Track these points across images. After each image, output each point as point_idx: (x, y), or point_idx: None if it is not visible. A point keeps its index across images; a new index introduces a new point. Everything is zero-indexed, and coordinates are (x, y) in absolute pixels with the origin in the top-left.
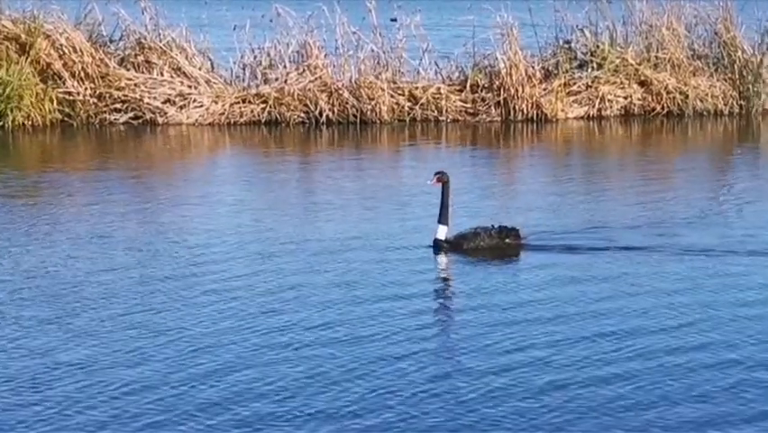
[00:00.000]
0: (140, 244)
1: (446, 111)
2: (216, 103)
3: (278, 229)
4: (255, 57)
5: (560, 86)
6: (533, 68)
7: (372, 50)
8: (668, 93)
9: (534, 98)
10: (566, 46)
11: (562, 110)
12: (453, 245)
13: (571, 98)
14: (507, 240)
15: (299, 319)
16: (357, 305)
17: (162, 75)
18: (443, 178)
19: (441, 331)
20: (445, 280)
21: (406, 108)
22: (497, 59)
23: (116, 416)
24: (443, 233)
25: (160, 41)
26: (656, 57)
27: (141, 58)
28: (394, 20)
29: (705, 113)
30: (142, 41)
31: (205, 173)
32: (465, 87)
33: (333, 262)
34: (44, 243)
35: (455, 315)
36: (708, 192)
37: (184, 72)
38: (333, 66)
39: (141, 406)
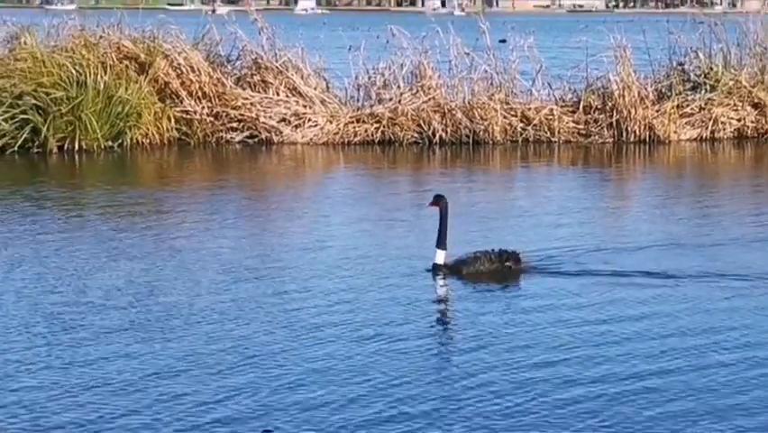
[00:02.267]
0: (249, 261)
1: (558, 132)
2: (331, 122)
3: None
4: (369, 77)
5: (673, 107)
6: (646, 89)
7: (485, 71)
8: None
9: (647, 120)
10: (679, 68)
11: (675, 132)
12: (452, 270)
13: (684, 120)
14: (507, 264)
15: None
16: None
17: (278, 95)
18: (440, 202)
19: (437, 354)
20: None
21: (519, 129)
22: (610, 80)
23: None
24: (441, 257)
25: (277, 62)
26: None
27: (257, 77)
28: (503, 41)
29: None
30: (259, 60)
31: (317, 192)
32: (578, 108)
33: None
34: (152, 259)
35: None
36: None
37: (299, 92)
38: (447, 87)
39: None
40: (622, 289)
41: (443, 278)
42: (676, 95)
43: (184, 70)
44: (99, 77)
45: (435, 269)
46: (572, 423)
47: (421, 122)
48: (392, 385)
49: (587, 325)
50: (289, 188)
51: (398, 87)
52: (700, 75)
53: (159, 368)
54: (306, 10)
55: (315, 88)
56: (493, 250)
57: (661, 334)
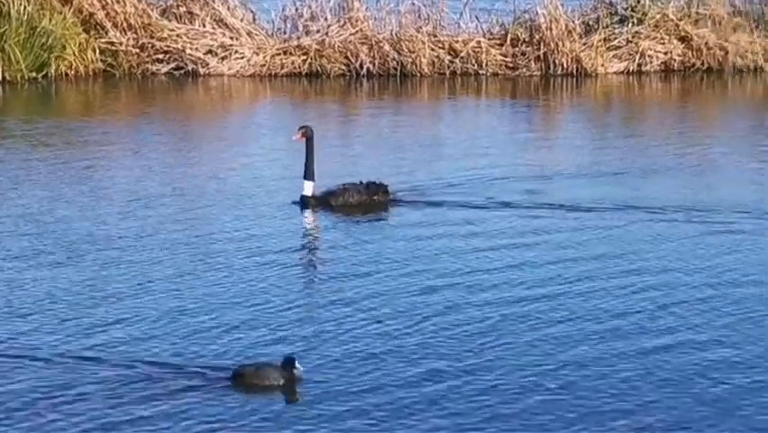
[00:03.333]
0: (154, 189)
1: (486, 65)
2: (258, 54)
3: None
4: (296, 9)
5: (600, 41)
6: (573, 22)
7: (413, 4)
8: (708, 49)
9: (574, 53)
10: (607, 1)
11: (602, 65)
12: (321, 201)
13: (611, 53)
14: (375, 196)
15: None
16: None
17: (204, 26)
18: (306, 132)
19: (304, 285)
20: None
21: (447, 62)
22: (537, 13)
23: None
24: (309, 189)
25: None
26: (697, 12)
27: (183, 9)
28: None
29: (745, 69)
30: None
31: (239, 123)
32: (505, 41)
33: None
34: (62, 187)
35: (318, 268)
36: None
37: (226, 23)
38: (375, 19)
39: None
40: (504, 218)
41: (311, 209)
42: (603, 28)
43: (109, 1)
44: (22, 7)
45: (303, 200)
46: (455, 348)
47: (348, 54)
48: (273, 311)
49: (455, 253)
50: (211, 120)
51: (326, 19)
52: (627, 8)
53: (50, 293)
54: None
55: (241, 20)
56: (361, 182)
57: (546, 261)
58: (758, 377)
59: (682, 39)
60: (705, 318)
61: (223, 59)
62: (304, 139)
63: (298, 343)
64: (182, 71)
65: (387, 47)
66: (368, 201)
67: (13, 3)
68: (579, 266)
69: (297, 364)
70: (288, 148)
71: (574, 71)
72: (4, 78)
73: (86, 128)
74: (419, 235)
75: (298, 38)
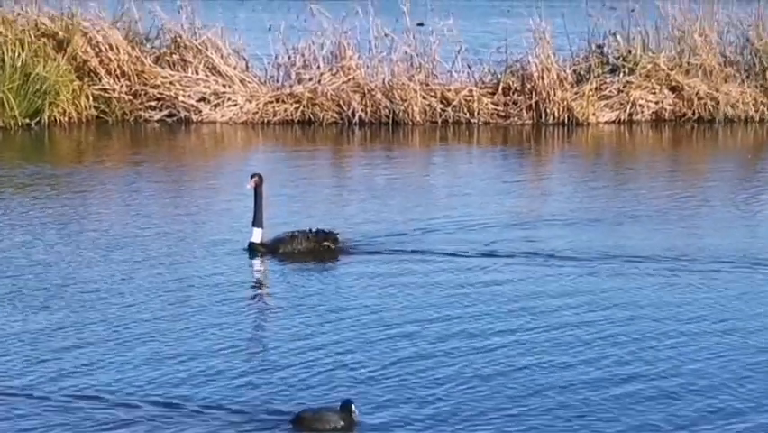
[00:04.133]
0: (163, 240)
1: (478, 113)
2: (250, 102)
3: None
4: (289, 57)
5: (591, 90)
6: (565, 71)
7: (405, 52)
8: (699, 99)
9: (566, 102)
10: (598, 50)
11: (594, 114)
12: (270, 249)
13: (603, 102)
14: (324, 243)
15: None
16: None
17: (197, 73)
18: (257, 180)
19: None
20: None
21: (439, 110)
22: (529, 62)
23: None
24: (257, 236)
25: (196, 40)
26: (688, 63)
27: (176, 56)
28: (421, 24)
29: (736, 119)
30: (178, 39)
31: (228, 170)
32: (497, 89)
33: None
34: (67, 237)
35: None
36: (670, 191)
37: (219, 71)
38: (367, 67)
39: None
40: (476, 267)
41: (260, 257)
42: (595, 77)
43: (103, 48)
44: (17, 54)
45: (252, 247)
46: (409, 396)
47: (341, 102)
48: (213, 352)
49: (393, 305)
50: (201, 167)
51: (318, 67)
52: (619, 57)
53: (20, 334)
54: None
55: (234, 68)
56: (311, 229)
57: (466, 314)
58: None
59: (673, 89)
60: (675, 367)
61: (215, 106)
62: (254, 187)
63: (233, 383)
64: (175, 118)
65: (379, 95)
66: (317, 248)
67: (8, 49)
68: (529, 315)
69: (354, 408)
70: (272, 194)
71: (566, 120)
72: None
73: (74, 174)
74: (357, 284)
75: (291, 86)
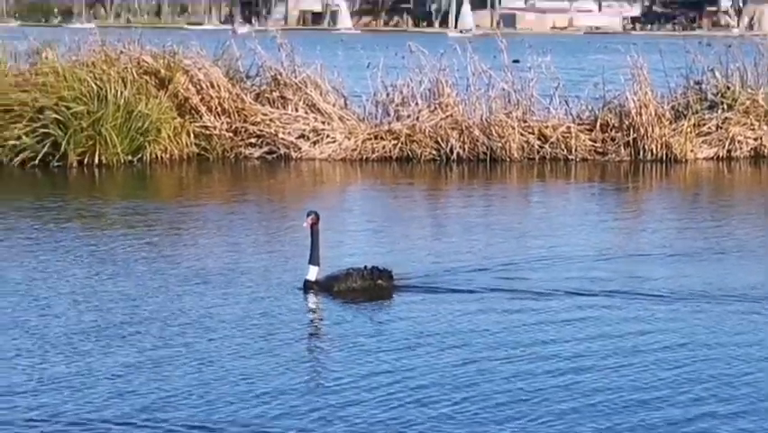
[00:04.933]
0: (265, 276)
1: (576, 150)
2: (349, 139)
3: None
4: (388, 94)
5: (689, 126)
6: (663, 108)
7: (503, 89)
8: None
9: (664, 138)
10: (696, 87)
11: (692, 150)
12: (323, 287)
13: (701, 139)
14: (379, 281)
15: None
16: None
17: (297, 111)
18: (313, 219)
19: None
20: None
21: (536, 147)
22: (627, 98)
23: None
24: (313, 274)
25: (296, 78)
26: None
27: (276, 93)
28: (516, 61)
29: None
30: (278, 77)
31: (326, 206)
32: (595, 126)
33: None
34: (156, 272)
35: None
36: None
37: (318, 108)
38: (465, 104)
39: None
40: (533, 307)
41: (315, 294)
42: (693, 114)
43: (204, 86)
44: (119, 92)
45: (307, 285)
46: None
47: (439, 139)
48: (277, 393)
49: (452, 342)
50: (298, 203)
51: (416, 103)
52: (717, 94)
53: (108, 369)
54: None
55: (333, 105)
56: (366, 267)
57: (547, 351)
58: None
59: None
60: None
61: (315, 143)
62: (309, 225)
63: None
64: (275, 155)
65: (477, 132)
66: (371, 286)
67: (111, 87)
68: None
69: None
70: (361, 229)
71: (664, 157)
72: (100, 161)
73: (171, 210)
74: (416, 319)
75: (389, 123)
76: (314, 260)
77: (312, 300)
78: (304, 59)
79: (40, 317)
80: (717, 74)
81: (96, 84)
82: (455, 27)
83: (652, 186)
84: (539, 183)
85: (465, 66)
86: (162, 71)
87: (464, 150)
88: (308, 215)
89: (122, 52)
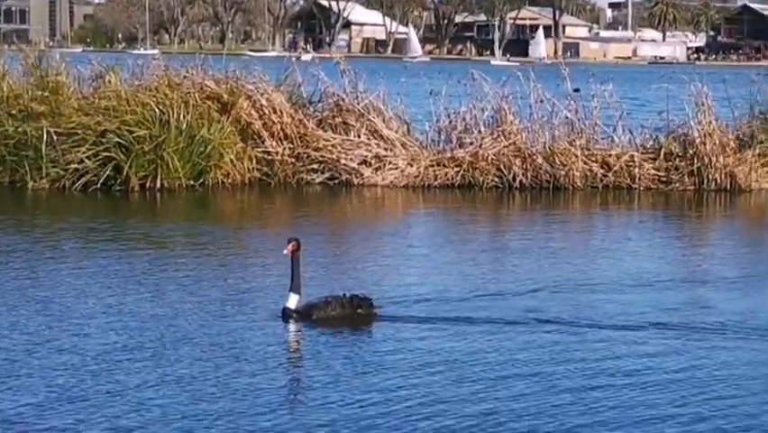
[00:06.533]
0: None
1: (639, 178)
2: (411, 165)
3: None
4: (450, 121)
5: (754, 156)
6: (727, 137)
7: (567, 117)
8: None
9: (728, 168)
10: (761, 117)
11: (757, 180)
12: (302, 315)
13: (766, 169)
14: (359, 310)
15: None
16: None
17: (359, 137)
18: (295, 246)
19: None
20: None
21: (599, 175)
22: (691, 127)
23: None
24: (293, 302)
25: (358, 104)
26: None
27: (338, 119)
28: (577, 90)
29: None
30: (341, 103)
31: (396, 233)
32: (659, 155)
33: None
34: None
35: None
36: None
37: (380, 135)
38: (528, 131)
39: None
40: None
41: (294, 323)
42: (758, 143)
43: (266, 111)
44: (182, 116)
45: (285, 313)
46: None
47: (501, 166)
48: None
49: (421, 372)
50: (356, 229)
51: (479, 131)
52: None
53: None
54: (413, 58)
55: (396, 131)
56: (345, 295)
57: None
58: None
59: None
60: None
61: (377, 169)
62: (290, 253)
63: None
64: (337, 181)
65: (540, 159)
66: (351, 315)
67: (173, 112)
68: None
69: None
70: (415, 255)
71: (728, 186)
72: (162, 185)
73: (230, 234)
74: (391, 349)
75: (452, 150)
76: (294, 288)
77: (292, 328)
78: (366, 85)
79: (73, 336)
80: None
81: (158, 108)
82: (502, 54)
83: (716, 215)
84: (603, 211)
85: (528, 94)
86: (225, 96)
87: (527, 177)
88: (289, 242)
89: (185, 77)
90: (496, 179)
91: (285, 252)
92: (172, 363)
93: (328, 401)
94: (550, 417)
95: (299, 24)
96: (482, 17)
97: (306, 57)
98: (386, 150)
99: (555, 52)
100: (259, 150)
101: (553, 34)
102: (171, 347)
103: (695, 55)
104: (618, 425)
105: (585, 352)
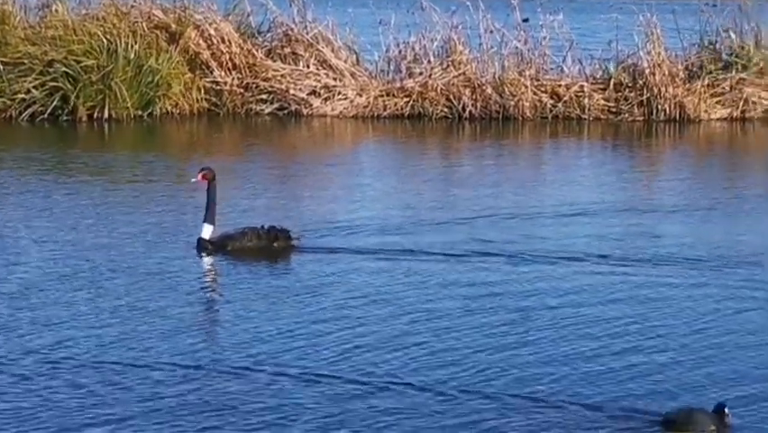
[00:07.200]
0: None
1: (589, 109)
2: (361, 96)
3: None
4: (400, 51)
5: (703, 86)
6: (677, 68)
7: (516, 48)
8: None
9: (678, 99)
10: (710, 47)
11: (705, 111)
12: (217, 246)
13: (715, 99)
14: (276, 242)
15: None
16: None
17: (308, 67)
18: (208, 175)
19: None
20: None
21: (549, 106)
22: (640, 58)
23: None
24: (207, 232)
25: (307, 34)
26: None
27: (287, 50)
28: (526, 20)
29: None
30: (290, 33)
31: (345, 164)
32: (608, 85)
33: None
34: (132, 224)
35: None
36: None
37: (329, 65)
38: (477, 62)
39: None
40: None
41: (208, 254)
42: (707, 74)
43: (214, 41)
44: (130, 46)
45: (200, 244)
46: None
47: (451, 96)
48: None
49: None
50: (305, 159)
51: (429, 61)
52: (731, 54)
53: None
54: None
55: (345, 61)
56: (263, 226)
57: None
58: None
59: None
60: None
61: (326, 99)
62: (205, 182)
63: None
64: (285, 111)
65: (489, 90)
66: (267, 246)
67: (121, 42)
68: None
69: (727, 411)
70: (360, 184)
71: (677, 117)
72: (110, 115)
73: (176, 164)
74: (311, 282)
75: (402, 80)
76: (209, 218)
77: (204, 258)
78: (315, 15)
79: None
80: (731, 34)
81: (105, 38)
82: None
83: (665, 146)
84: (552, 142)
85: (477, 24)
86: (173, 26)
87: (476, 108)
88: (200, 171)
89: (132, 6)
90: (445, 110)
91: (193, 180)
92: (94, 292)
93: (239, 329)
94: (483, 350)
95: None
96: None
97: None
98: (335, 80)
99: None
100: (207, 80)
101: None
102: (95, 278)
103: None
104: (551, 358)
105: (522, 283)
